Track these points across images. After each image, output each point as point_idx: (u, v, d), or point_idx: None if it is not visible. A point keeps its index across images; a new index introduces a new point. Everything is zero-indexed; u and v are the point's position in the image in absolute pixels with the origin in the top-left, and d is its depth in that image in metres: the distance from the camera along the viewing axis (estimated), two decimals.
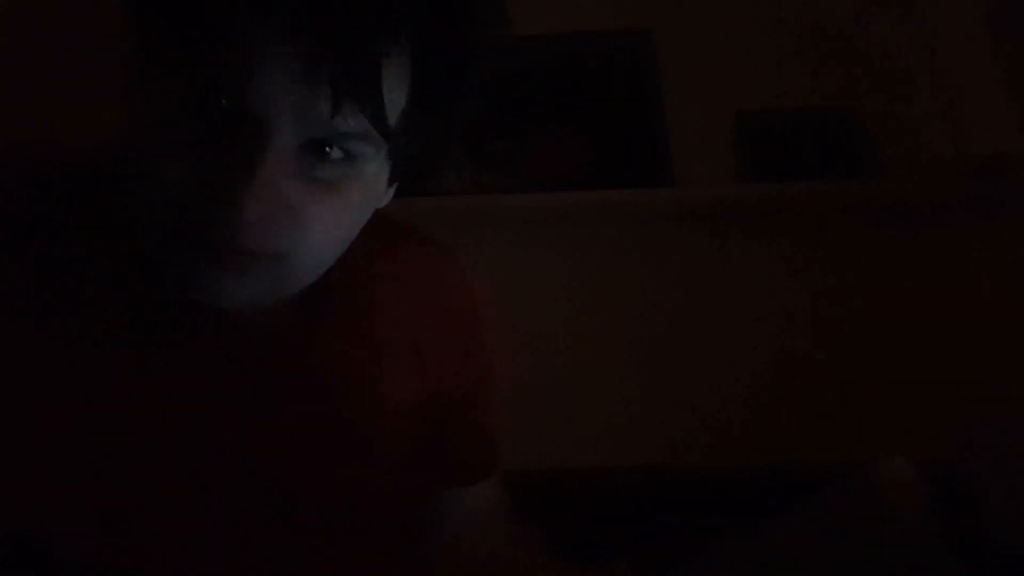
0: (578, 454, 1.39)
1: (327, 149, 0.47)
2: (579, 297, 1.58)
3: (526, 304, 1.47)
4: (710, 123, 1.68)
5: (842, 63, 1.71)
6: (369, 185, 0.50)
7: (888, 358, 1.55)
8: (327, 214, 0.48)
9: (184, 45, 0.45)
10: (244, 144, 0.45)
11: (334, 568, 0.58)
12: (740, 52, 1.72)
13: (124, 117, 0.50)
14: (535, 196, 1.57)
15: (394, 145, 0.48)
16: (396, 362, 0.62)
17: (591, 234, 1.61)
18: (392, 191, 0.56)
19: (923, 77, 1.69)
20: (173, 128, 0.46)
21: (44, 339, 0.51)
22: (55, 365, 0.51)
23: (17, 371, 0.51)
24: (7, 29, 1.61)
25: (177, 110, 0.46)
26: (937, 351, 1.55)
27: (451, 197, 1.58)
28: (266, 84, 0.44)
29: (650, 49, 1.72)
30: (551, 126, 1.70)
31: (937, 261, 1.60)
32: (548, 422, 1.38)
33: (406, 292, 0.63)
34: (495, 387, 0.70)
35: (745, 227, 1.62)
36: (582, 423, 1.48)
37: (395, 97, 0.46)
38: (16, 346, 0.51)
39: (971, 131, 1.62)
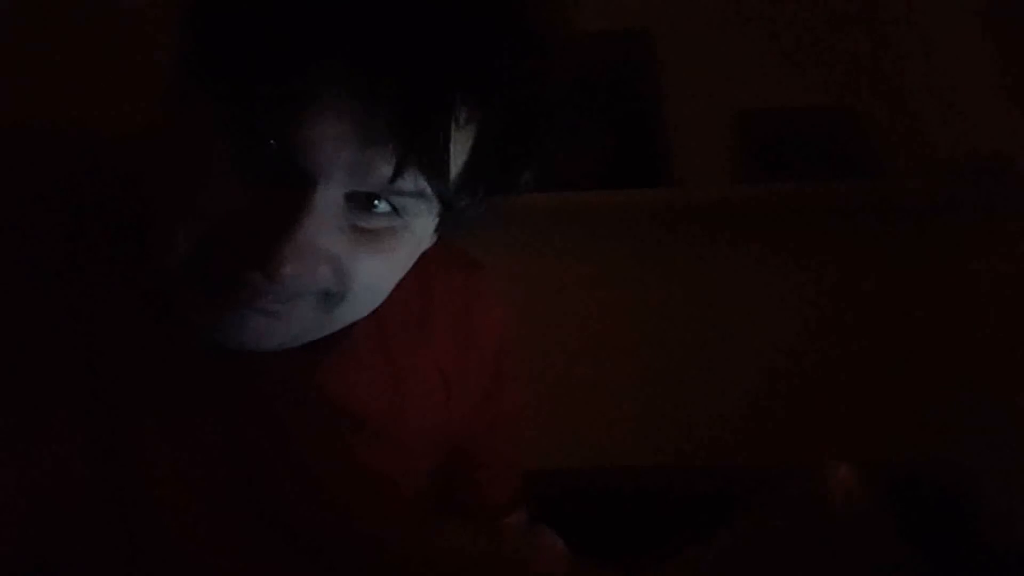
0: (577, 454, 1.39)
1: (375, 202, 0.44)
2: (578, 297, 1.58)
3: (525, 304, 1.47)
4: (710, 123, 1.68)
5: (842, 63, 1.71)
6: (416, 238, 0.48)
7: (888, 358, 1.55)
8: (369, 267, 0.46)
9: (239, 76, 0.41)
10: (287, 193, 0.42)
11: None
12: (740, 52, 1.72)
13: (157, 121, 0.47)
14: (535, 196, 1.56)
15: (449, 203, 0.46)
16: (421, 391, 0.60)
17: (591, 234, 1.61)
18: (436, 234, 0.53)
19: (923, 77, 1.69)
20: (212, 160, 0.43)
21: (48, 345, 0.50)
22: (61, 373, 0.50)
23: (19, 375, 0.50)
24: (8, 28, 1.61)
25: (219, 142, 0.43)
26: (937, 351, 1.55)
27: None
28: (321, 134, 0.40)
29: (650, 49, 1.72)
30: None
31: (937, 261, 1.60)
32: (547, 422, 1.37)
33: (435, 317, 0.61)
34: (522, 420, 0.69)
35: (745, 227, 1.62)
36: (581, 423, 1.48)
37: (457, 158, 0.44)
38: (18, 350, 0.50)
39: (971, 131, 1.62)
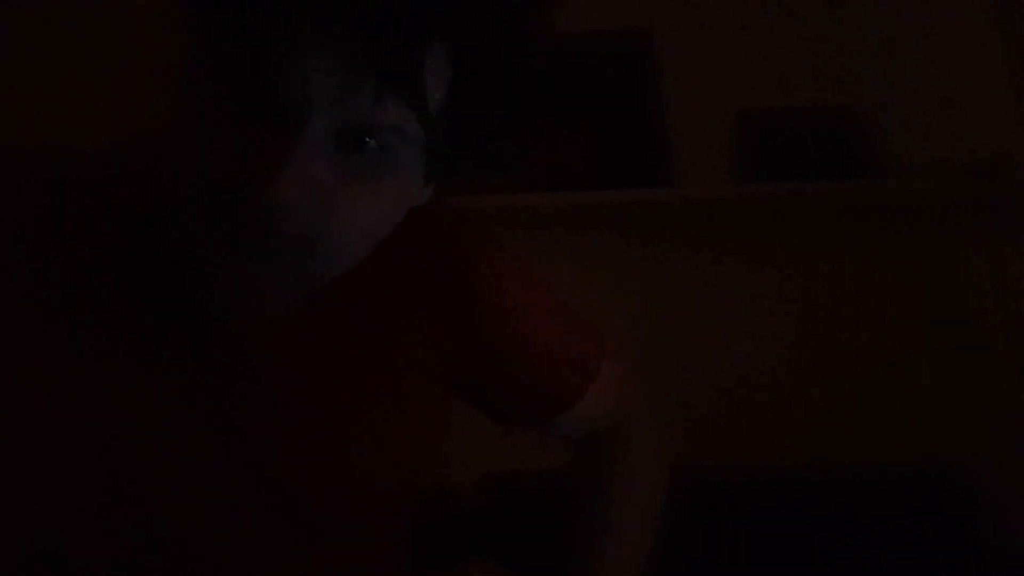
0: None
1: (365, 140, 0.47)
2: (577, 297, 1.58)
3: None
4: (710, 123, 1.68)
5: (842, 63, 1.71)
6: (403, 180, 0.50)
7: (887, 358, 1.55)
8: (358, 203, 0.48)
9: (226, 24, 0.45)
10: (280, 127, 0.45)
11: (343, 568, 0.58)
12: (740, 52, 1.72)
13: (168, 109, 0.50)
14: (535, 196, 1.57)
15: (431, 142, 0.48)
16: (414, 340, 0.61)
17: (591, 234, 1.61)
18: (430, 190, 0.55)
19: (923, 77, 1.69)
20: (211, 113, 0.46)
21: (56, 345, 0.51)
22: (64, 372, 0.51)
23: (24, 378, 0.51)
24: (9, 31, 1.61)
25: (216, 94, 0.46)
26: (937, 351, 1.55)
27: (451, 197, 1.58)
28: (306, 68, 0.44)
29: (650, 49, 1.72)
30: (551, 126, 1.70)
31: (937, 261, 1.60)
32: None
33: (413, 264, 0.63)
34: (551, 315, 0.72)
35: (745, 227, 1.62)
36: None
37: (435, 91, 0.47)
38: (26, 352, 0.51)
39: (971, 131, 1.62)
